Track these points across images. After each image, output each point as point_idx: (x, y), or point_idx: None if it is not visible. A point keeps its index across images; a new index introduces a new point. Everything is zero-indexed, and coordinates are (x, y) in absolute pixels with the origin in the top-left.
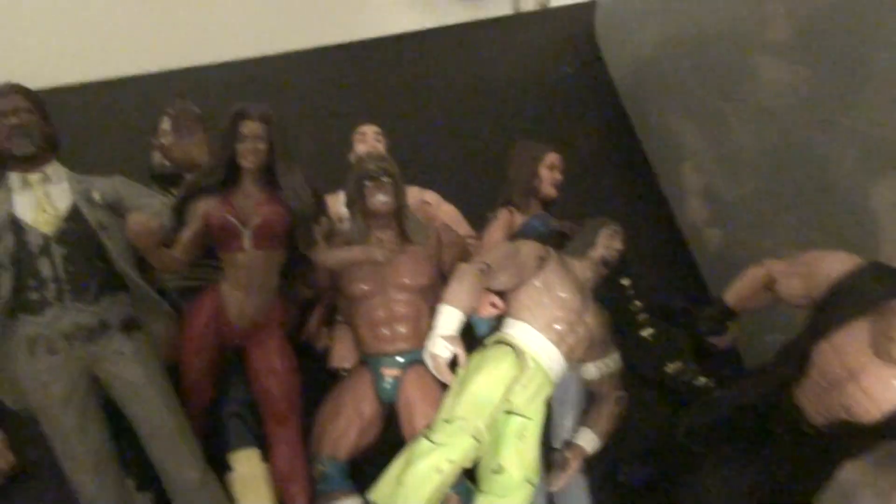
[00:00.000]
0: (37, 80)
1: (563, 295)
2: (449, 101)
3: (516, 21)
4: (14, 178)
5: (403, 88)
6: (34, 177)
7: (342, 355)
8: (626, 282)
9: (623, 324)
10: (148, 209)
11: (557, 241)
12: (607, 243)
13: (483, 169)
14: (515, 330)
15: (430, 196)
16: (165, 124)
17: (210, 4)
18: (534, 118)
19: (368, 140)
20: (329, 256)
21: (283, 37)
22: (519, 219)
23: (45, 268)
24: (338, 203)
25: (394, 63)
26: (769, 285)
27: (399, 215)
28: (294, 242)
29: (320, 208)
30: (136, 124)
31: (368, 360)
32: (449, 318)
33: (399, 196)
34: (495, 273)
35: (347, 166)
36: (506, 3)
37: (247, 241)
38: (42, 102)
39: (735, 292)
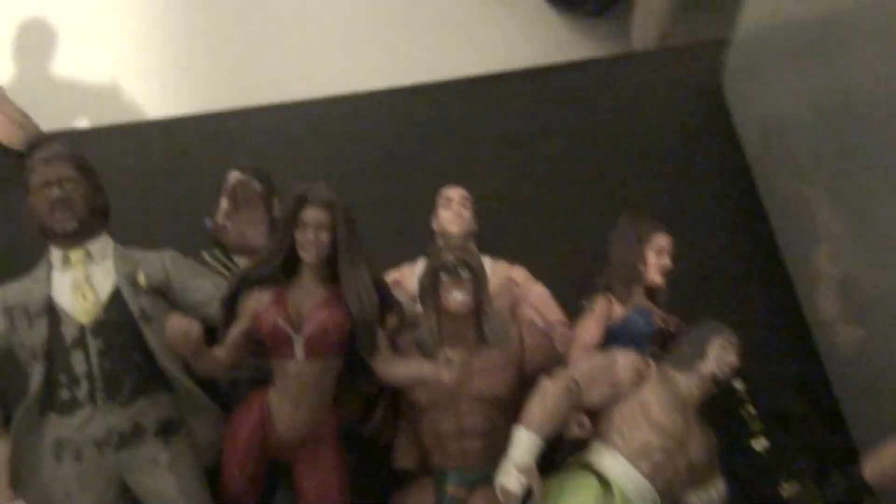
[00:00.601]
0: (123, 115)
1: (662, 419)
2: (545, 156)
3: (629, 60)
4: (55, 254)
5: (495, 137)
6: (76, 254)
7: (407, 455)
8: (738, 384)
9: (732, 433)
10: (198, 294)
11: (660, 343)
12: (719, 356)
13: (582, 241)
14: (603, 457)
15: (518, 273)
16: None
17: (299, 37)
18: (644, 178)
19: (454, 206)
20: (391, 370)
21: (369, 74)
22: (618, 309)
23: (78, 363)
24: (414, 275)
25: (485, 107)
26: None
27: (478, 314)
28: (354, 347)
29: (388, 308)
30: (207, 164)
31: (433, 472)
32: (525, 445)
33: (479, 293)
34: (585, 391)
35: (429, 234)
36: (620, 37)
37: (299, 350)
38: (92, 170)
39: (877, 469)
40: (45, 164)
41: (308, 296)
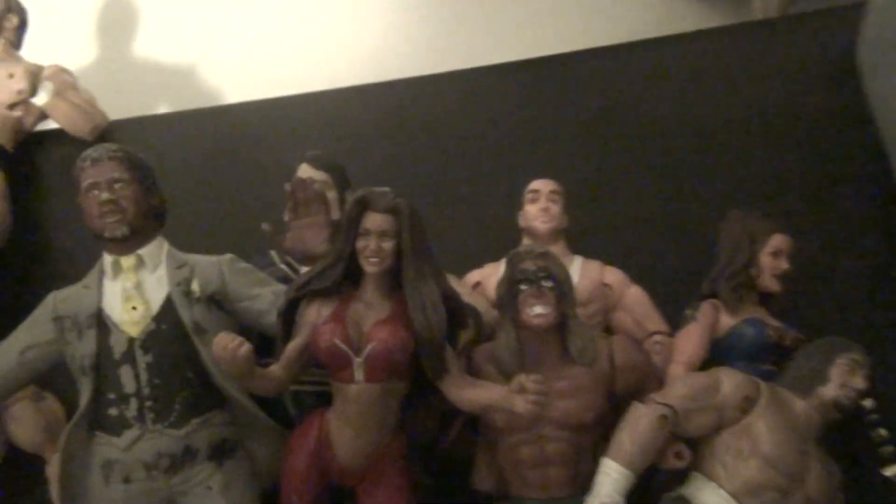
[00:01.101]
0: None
1: (773, 451)
2: (648, 141)
3: (748, 30)
4: (107, 259)
5: (592, 120)
6: (127, 261)
7: (488, 477)
8: (867, 402)
9: (860, 460)
10: (256, 303)
11: (775, 360)
12: (844, 379)
13: (686, 238)
14: (703, 492)
15: (613, 276)
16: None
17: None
18: (761, 168)
19: (541, 200)
20: (462, 395)
21: (470, 52)
22: (727, 319)
23: (126, 379)
24: (498, 276)
25: (582, 86)
26: None
27: (562, 329)
28: (420, 369)
29: (459, 323)
30: (285, 150)
31: (513, 501)
32: (614, 481)
33: (563, 306)
34: (683, 418)
35: (517, 231)
36: (740, 4)
37: (358, 373)
38: (146, 169)
39: None
40: (93, 164)
41: (370, 311)
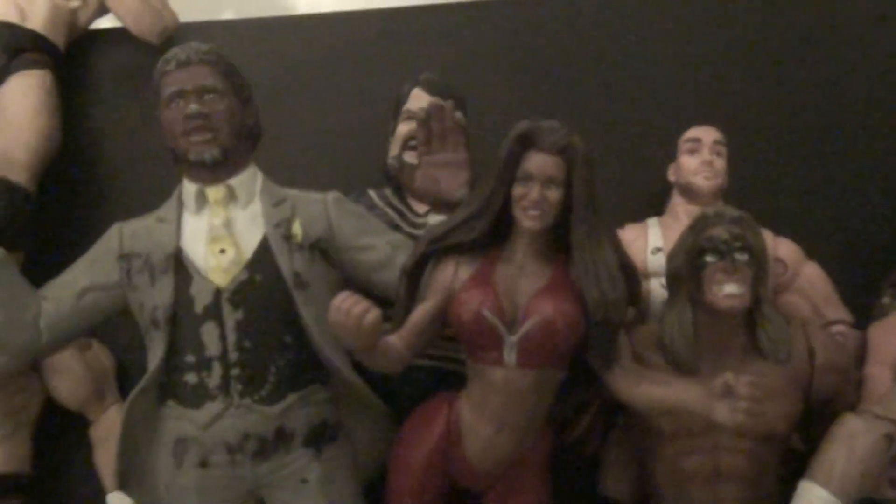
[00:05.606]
0: None
1: None
2: (828, 82)
3: None
4: (189, 189)
5: (757, 52)
6: (216, 192)
7: (619, 483)
8: None
9: None
10: (369, 254)
11: None
12: None
13: (874, 211)
14: None
15: (786, 249)
16: (405, 125)
17: None
18: None
19: (704, 151)
20: (635, 392)
21: None
22: None
23: (210, 339)
24: (643, 242)
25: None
26: None
27: (753, 315)
28: (581, 353)
29: (634, 299)
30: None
31: None
32: None
33: (759, 285)
34: None
35: (665, 188)
36: None
37: (509, 355)
38: (242, 78)
39: None
40: (179, 67)
41: (524, 277)
